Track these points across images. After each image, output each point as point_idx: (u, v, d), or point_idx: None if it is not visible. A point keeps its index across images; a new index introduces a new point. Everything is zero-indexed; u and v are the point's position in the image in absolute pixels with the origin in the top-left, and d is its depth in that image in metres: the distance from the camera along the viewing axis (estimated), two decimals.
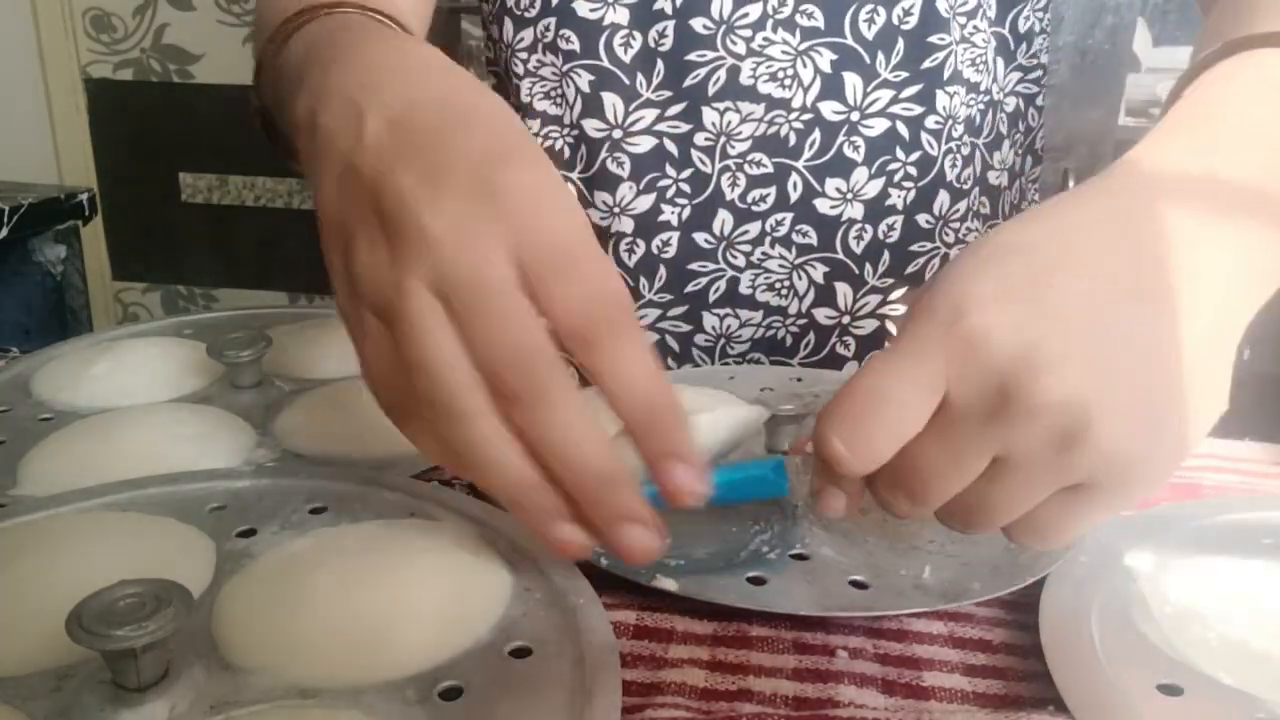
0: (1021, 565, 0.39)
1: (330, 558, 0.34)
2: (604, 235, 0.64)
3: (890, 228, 0.63)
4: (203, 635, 0.31)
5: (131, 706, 0.27)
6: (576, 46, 0.61)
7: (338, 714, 0.28)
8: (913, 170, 0.62)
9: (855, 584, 0.37)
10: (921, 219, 0.64)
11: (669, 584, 0.37)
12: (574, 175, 0.64)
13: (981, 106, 0.65)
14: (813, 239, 0.63)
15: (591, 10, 0.59)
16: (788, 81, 0.59)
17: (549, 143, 0.64)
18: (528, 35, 0.62)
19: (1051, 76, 1.54)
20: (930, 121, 0.62)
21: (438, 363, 0.29)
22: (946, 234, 0.65)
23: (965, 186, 0.65)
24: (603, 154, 0.62)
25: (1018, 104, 0.67)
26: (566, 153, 0.64)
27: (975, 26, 0.62)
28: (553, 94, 0.63)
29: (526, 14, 0.61)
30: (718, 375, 0.58)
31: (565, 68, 0.61)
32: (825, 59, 0.59)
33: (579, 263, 0.29)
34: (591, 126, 0.62)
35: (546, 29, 0.61)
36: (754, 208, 0.62)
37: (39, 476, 0.43)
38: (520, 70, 0.63)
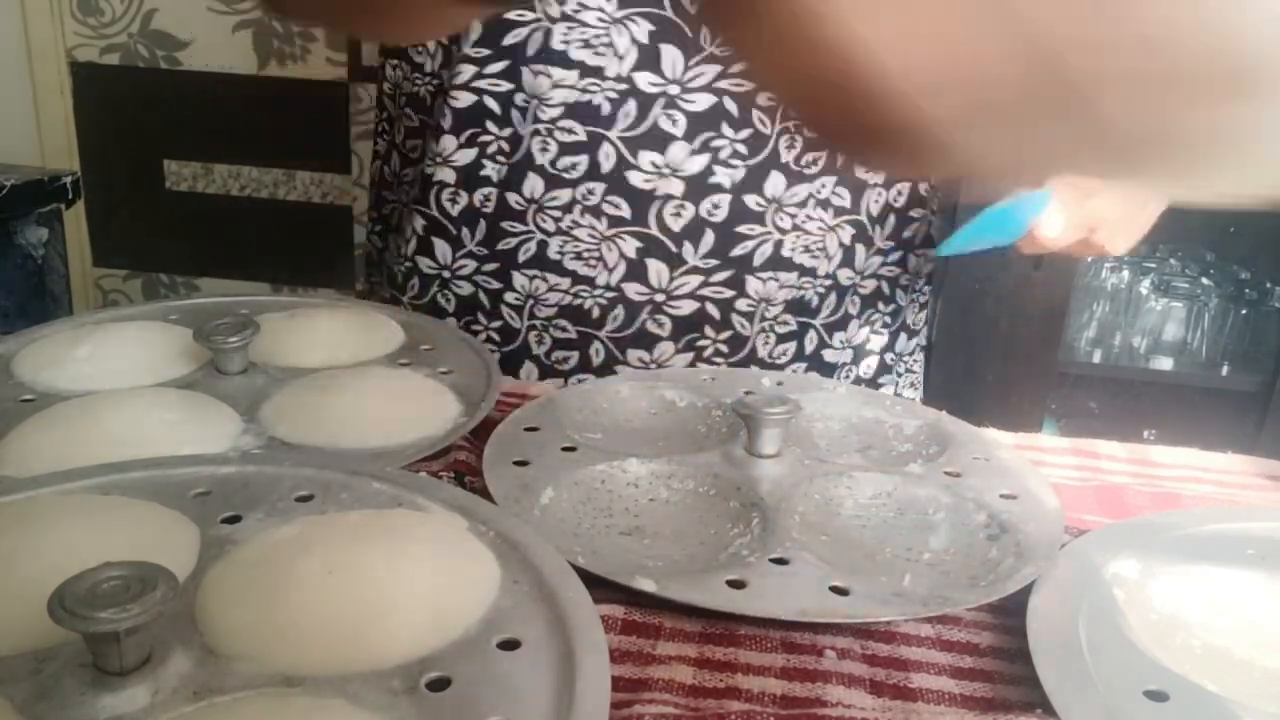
0: (1000, 575, 0.39)
1: (316, 546, 0.34)
2: (428, 183, 0.65)
3: (715, 206, 0.62)
4: (186, 621, 0.30)
5: (113, 690, 0.27)
6: (626, 213, 0.62)
7: (323, 703, 0.28)
8: (742, 149, 0.61)
9: (835, 590, 0.37)
10: (751, 200, 0.62)
11: (647, 584, 0.36)
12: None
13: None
14: (625, 212, 0.62)
15: None
16: (602, 49, 0.59)
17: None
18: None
19: None
20: (762, 98, 0.61)
21: None
22: (781, 218, 0.64)
23: (808, 170, 0.63)
24: (433, 103, 0.63)
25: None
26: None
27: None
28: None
29: None
30: (695, 377, 0.58)
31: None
32: (643, 29, 0.59)
33: None
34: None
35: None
36: (565, 174, 0.62)
37: (19, 458, 0.42)
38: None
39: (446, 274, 0.66)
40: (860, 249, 0.65)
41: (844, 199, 0.64)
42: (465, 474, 0.45)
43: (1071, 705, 0.31)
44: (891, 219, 0.65)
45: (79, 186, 1.54)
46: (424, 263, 0.67)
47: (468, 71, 0.61)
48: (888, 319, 0.70)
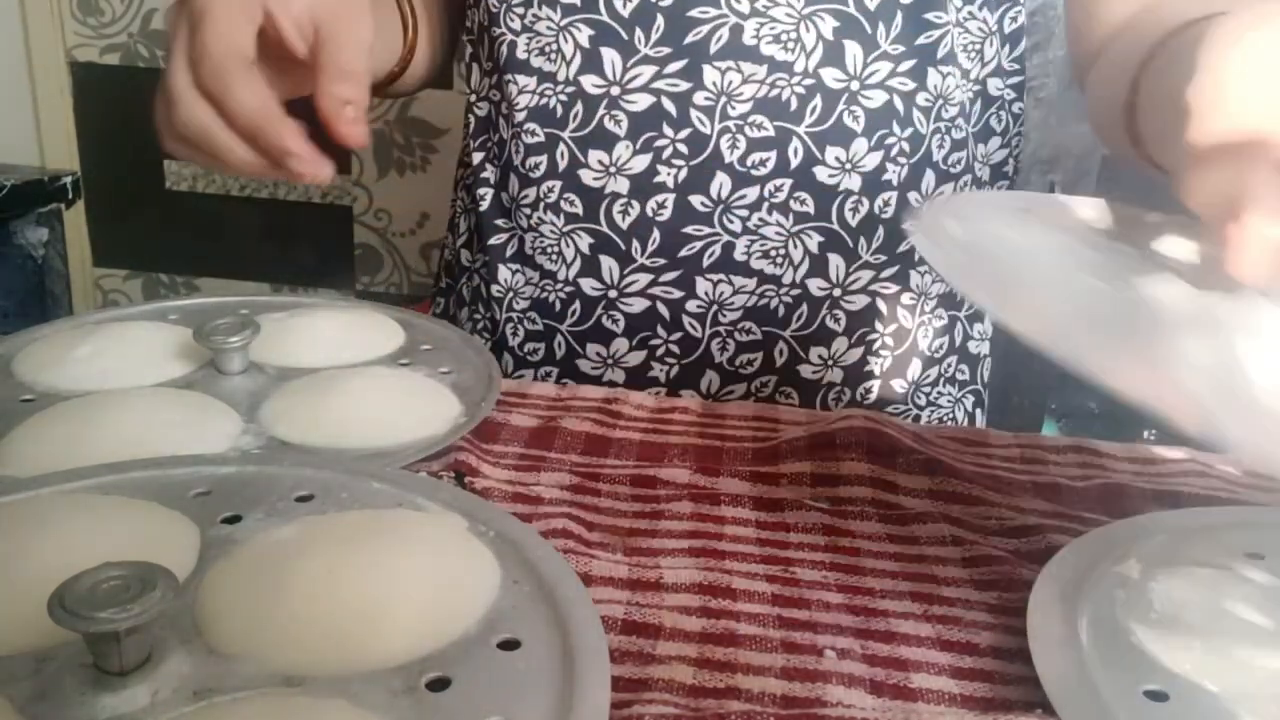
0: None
1: (317, 546, 0.34)
2: (598, 195, 0.63)
3: (886, 203, 0.63)
4: (186, 621, 0.30)
5: (113, 690, 0.27)
6: (576, 0, 0.60)
7: (323, 703, 0.28)
8: (906, 146, 0.63)
9: None
10: (912, 196, 0.64)
11: None
12: (565, 134, 0.63)
13: (971, 95, 0.65)
14: (810, 208, 0.62)
15: None
16: (790, 45, 0.59)
17: (543, 100, 0.63)
18: None
19: (1041, 90, 1.55)
20: (920, 98, 0.62)
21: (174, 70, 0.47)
22: None
23: (953, 170, 0.65)
24: (600, 111, 0.62)
25: (1002, 102, 0.68)
26: (559, 110, 0.63)
27: (971, 13, 0.63)
28: (548, 49, 0.62)
29: None
30: None
31: (563, 22, 0.61)
32: (828, 25, 0.60)
33: (203, 27, 0.45)
34: (590, 83, 0.61)
35: None
36: (753, 171, 0.62)
37: (20, 458, 0.42)
38: (516, 26, 0.62)
39: (614, 293, 0.65)
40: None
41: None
42: (465, 474, 0.45)
43: (1071, 705, 0.31)
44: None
45: (79, 186, 1.54)
46: (588, 284, 0.65)
47: (648, 72, 0.60)
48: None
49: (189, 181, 1.96)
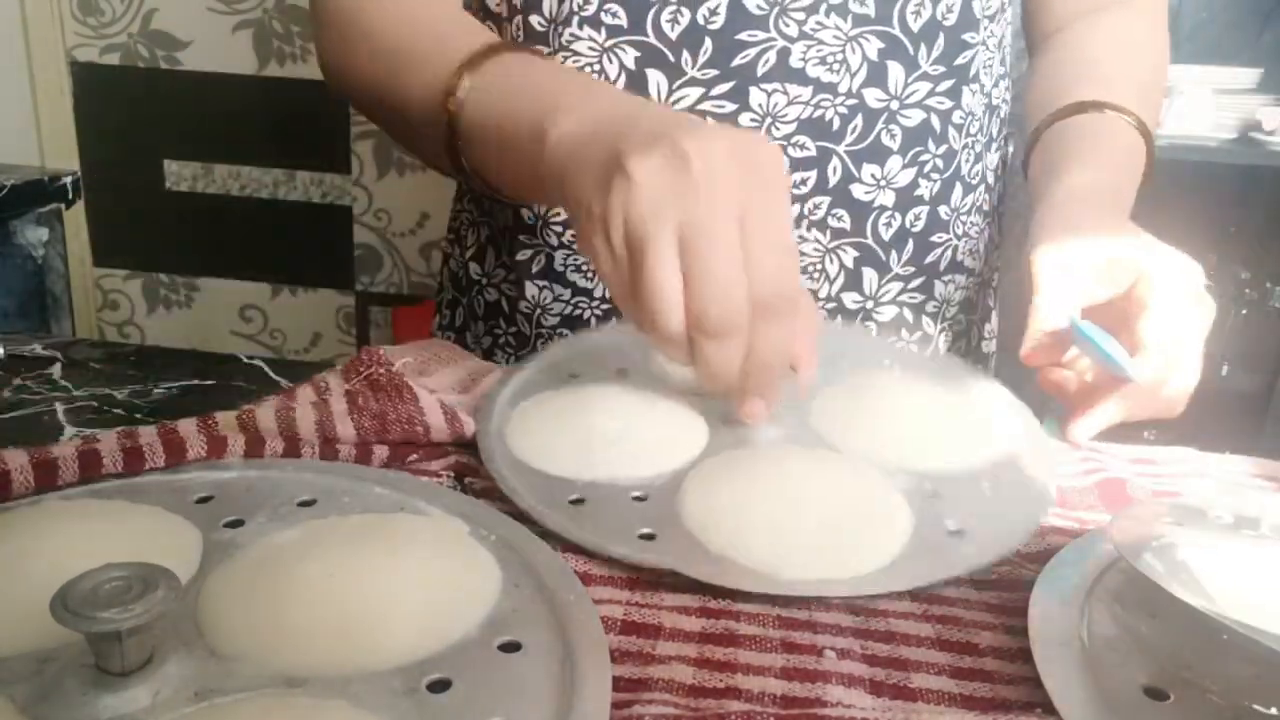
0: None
1: (319, 549, 0.34)
2: None
3: (916, 217, 0.64)
4: (188, 623, 0.31)
5: (115, 691, 0.27)
6: (623, 21, 0.60)
7: (324, 703, 0.28)
8: (940, 163, 0.64)
9: None
10: (942, 210, 0.65)
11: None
12: None
13: (983, 107, 0.66)
14: (846, 224, 0.63)
15: None
16: (836, 66, 0.60)
17: None
18: (566, 8, 0.60)
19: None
20: (956, 116, 0.63)
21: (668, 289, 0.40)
22: (957, 226, 0.67)
23: (974, 181, 0.67)
24: None
25: (1000, 109, 0.69)
26: None
27: (992, 31, 0.64)
28: (589, 71, 0.61)
29: None
30: None
31: (608, 43, 0.60)
32: (873, 46, 0.60)
33: (714, 251, 0.39)
34: None
35: (588, 1, 0.60)
36: (795, 190, 0.62)
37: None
38: (556, 46, 0.61)
39: None
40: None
41: None
42: (464, 475, 0.45)
43: (1072, 705, 0.31)
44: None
45: (79, 186, 1.54)
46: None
47: (694, 94, 0.60)
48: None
49: (189, 182, 1.96)
